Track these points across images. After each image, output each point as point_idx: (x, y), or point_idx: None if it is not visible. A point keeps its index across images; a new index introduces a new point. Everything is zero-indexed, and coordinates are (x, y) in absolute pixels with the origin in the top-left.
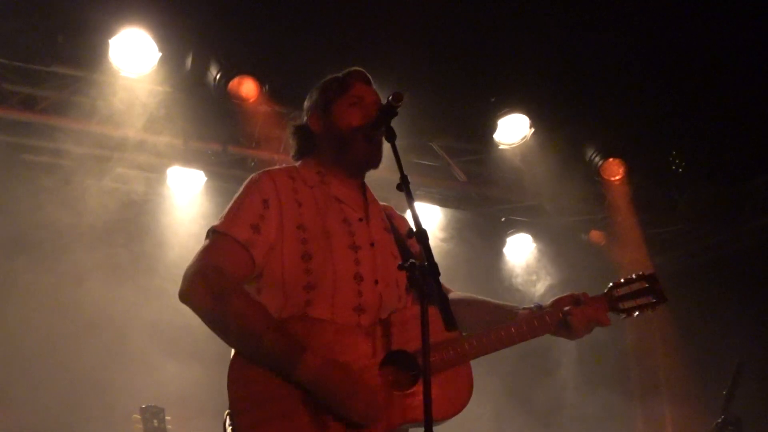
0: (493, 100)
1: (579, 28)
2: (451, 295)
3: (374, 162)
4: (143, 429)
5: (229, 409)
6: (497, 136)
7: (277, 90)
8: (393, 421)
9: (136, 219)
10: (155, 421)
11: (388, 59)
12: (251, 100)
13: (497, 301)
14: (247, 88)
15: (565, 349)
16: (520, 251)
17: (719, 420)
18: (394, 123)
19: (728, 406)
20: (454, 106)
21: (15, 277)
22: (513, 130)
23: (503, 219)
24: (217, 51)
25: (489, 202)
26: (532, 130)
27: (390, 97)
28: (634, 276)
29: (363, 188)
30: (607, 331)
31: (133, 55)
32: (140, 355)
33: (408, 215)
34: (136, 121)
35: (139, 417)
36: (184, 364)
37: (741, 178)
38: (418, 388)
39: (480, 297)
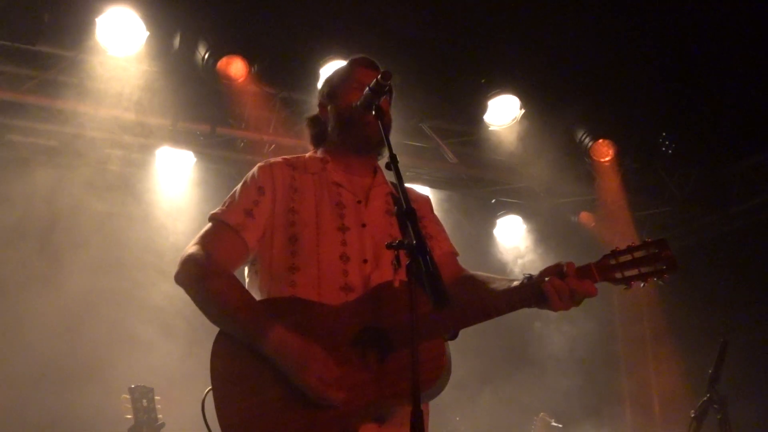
0: (483, 81)
1: (569, 9)
2: (464, 274)
3: (375, 137)
4: (132, 409)
5: (211, 383)
6: (488, 118)
7: (265, 70)
8: (368, 397)
9: (125, 200)
10: (144, 401)
11: (377, 40)
12: (240, 80)
13: (497, 278)
14: (236, 68)
15: (552, 334)
16: (511, 233)
17: (704, 398)
18: None
19: (713, 385)
20: (444, 87)
21: (10, 261)
22: (503, 111)
23: (493, 200)
24: (205, 30)
25: (479, 183)
26: (523, 111)
27: (378, 76)
28: (639, 243)
29: (374, 172)
30: (595, 312)
31: (121, 34)
32: (131, 335)
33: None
34: (124, 102)
35: (128, 397)
36: (175, 345)
37: (730, 160)
38: (390, 363)
39: (489, 275)
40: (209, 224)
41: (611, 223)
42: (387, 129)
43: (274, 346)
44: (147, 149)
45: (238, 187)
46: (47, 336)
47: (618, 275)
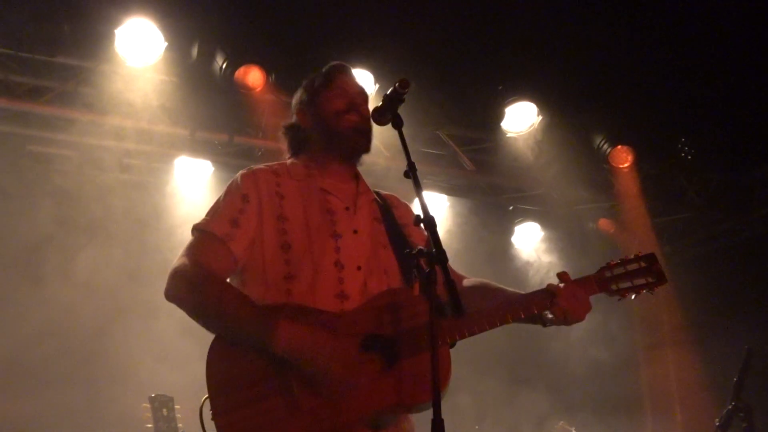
0: (500, 88)
1: (586, 15)
2: (465, 282)
3: (362, 144)
4: (152, 417)
5: (208, 392)
6: (505, 125)
7: (283, 79)
8: (371, 405)
9: (143, 209)
10: (164, 410)
11: (395, 48)
12: (257, 90)
13: (508, 289)
14: (254, 77)
15: (573, 338)
16: (528, 240)
17: (729, 407)
18: (401, 112)
19: (738, 394)
20: (461, 95)
21: (27, 267)
22: (521, 118)
23: (511, 208)
24: (222, 40)
25: (497, 190)
26: (540, 117)
27: (396, 84)
28: (631, 256)
29: (356, 179)
30: (616, 320)
31: (139, 45)
32: (153, 344)
33: (416, 203)
34: (142, 112)
35: (148, 406)
36: (196, 354)
37: (750, 165)
38: (394, 372)
39: (493, 284)
40: (195, 235)
41: (630, 230)
42: (367, 134)
43: (285, 340)
44: (166, 159)
45: (221, 196)
46: (72, 343)
47: (613, 287)
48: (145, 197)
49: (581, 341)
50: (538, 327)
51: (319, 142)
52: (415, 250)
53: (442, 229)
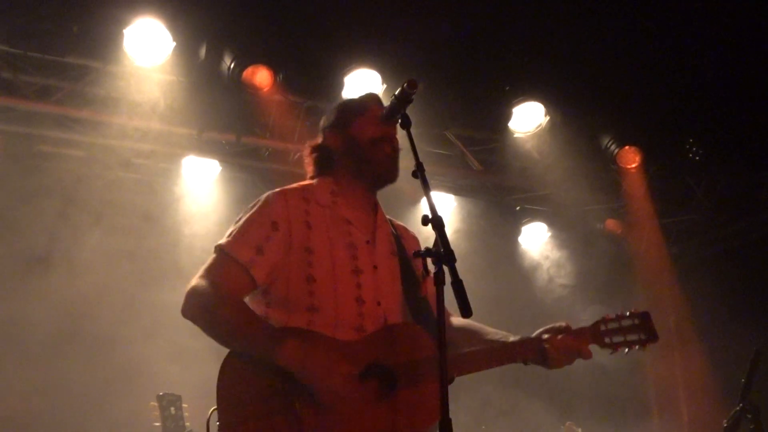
0: (507, 88)
1: (594, 15)
2: (454, 321)
3: (393, 174)
4: (160, 416)
5: (217, 405)
6: (512, 125)
7: (291, 79)
8: (366, 430)
9: (151, 209)
10: (172, 408)
11: (402, 48)
12: (265, 90)
13: (493, 330)
14: (261, 77)
15: None
16: (536, 240)
17: (737, 408)
18: (409, 112)
19: (746, 395)
20: (468, 95)
21: (36, 268)
22: (528, 118)
23: (518, 208)
24: (230, 40)
25: (504, 191)
26: (548, 118)
27: (405, 84)
28: (627, 313)
29: (375, 209)
30: None
31: (147, 45)
32: (160, 343)
33: (423, 203)
34: (150, 112)
35: (156, 404)
36: (203, 353)
37: (758, 166)
38: (392, 401)
39: (478, 325)
40: (216, 255)
41: (638, 231)
42: (397, 165)
43: (289, 350)
44: (173, 158)
45: (249, 215)
46: (80, 341)
47: (607, 340)
48: (152, 197)
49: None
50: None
51: (348, 166)
52: (423, 250)
53: (450, 229)
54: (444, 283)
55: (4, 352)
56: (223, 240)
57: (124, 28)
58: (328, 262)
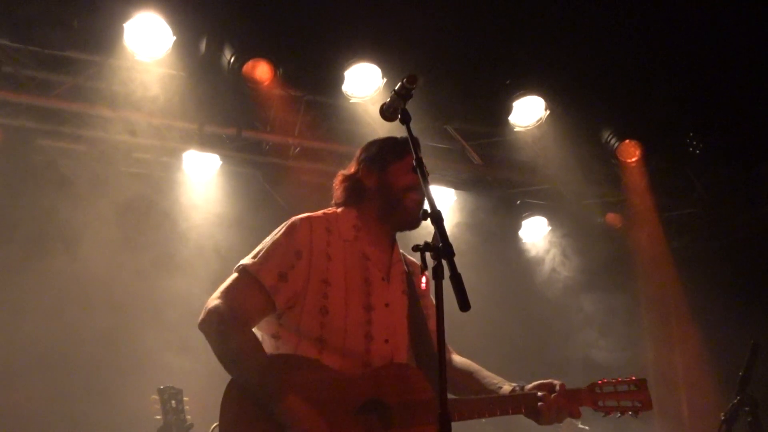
0: (508, 82)
1: (594, 9)
2: (455, 358)
3: (417, 223)
4: (161, 409)
5: (219, 425)
6: (512, 119)
7: (291, 73)
8: None
9: (152, 203)
10: (173, 402)
11: (402, 42)
12: (265, 84)
13: (488, 374)
14: (262, 71)
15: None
16: (536, 234)
17: (735, 401)
18: (409, 106)
19: (744, 388)
20: (468, 89)
21: (37, 262)
22: (528, 112)
23: (518, 202)
24: (230, 34)
25: (504, 185)
26: (548, 112)
27: (404, 79)
28: (624, 378)
29: (392, 246)
30: (623, 316)
31: (148, 39)
32: (161, 336)
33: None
34: (151, 106)
35: (157, 398)
36: (205, 346)
37: (758, 160)
38: None
39: (476, 366)
40: (239, 276)
41: (638, 225)
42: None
43: (285, 410)
44: (174, 152)
45: (275, 240)
46: (82, 334)
47: (600, 403)
48: (153, 190)
49: (587, 340)
50: (541, 328)
51: (376, 206)
52: (423, 243)
53: (450, 223)
54: (443, 278)
55: (2, 347)
56: (247, 261)
57: (125, 22)
58: (342, 296)
